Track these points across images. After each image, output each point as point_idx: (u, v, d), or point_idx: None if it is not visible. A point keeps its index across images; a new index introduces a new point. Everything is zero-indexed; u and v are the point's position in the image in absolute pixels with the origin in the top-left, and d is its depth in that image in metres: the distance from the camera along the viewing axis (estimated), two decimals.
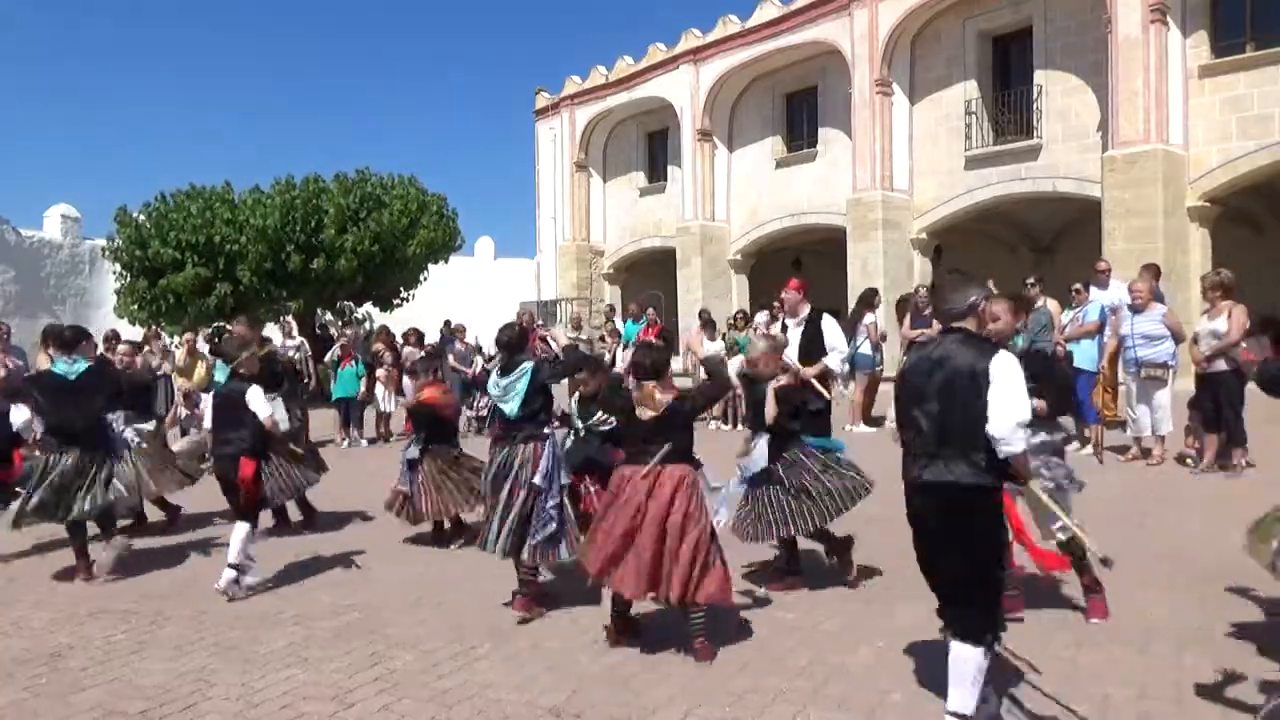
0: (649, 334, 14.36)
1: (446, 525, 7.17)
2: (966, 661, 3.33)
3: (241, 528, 5.79)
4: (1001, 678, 3.74)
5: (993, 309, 4.11)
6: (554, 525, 5.11)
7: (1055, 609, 4.90)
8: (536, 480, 5.11)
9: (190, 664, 4.56)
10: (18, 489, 6.49)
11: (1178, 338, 8.72)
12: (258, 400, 5.85)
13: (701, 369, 13.25)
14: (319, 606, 5.48)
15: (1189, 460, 8.71)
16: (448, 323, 19.07)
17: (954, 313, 3.52)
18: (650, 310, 15.63)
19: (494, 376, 5.37)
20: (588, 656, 4.50)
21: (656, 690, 4.05)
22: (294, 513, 7.78)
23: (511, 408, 5.22)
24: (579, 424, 6.21)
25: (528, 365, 5.27)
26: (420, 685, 4.22)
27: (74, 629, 5.19)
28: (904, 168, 19.55)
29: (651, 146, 26.17)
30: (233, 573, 5.71)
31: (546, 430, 5.29)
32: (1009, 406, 3.26)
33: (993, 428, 3.26)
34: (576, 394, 6.31)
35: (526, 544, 5.11)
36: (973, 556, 3.40)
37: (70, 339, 6.55)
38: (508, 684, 4.19)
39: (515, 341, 5.41)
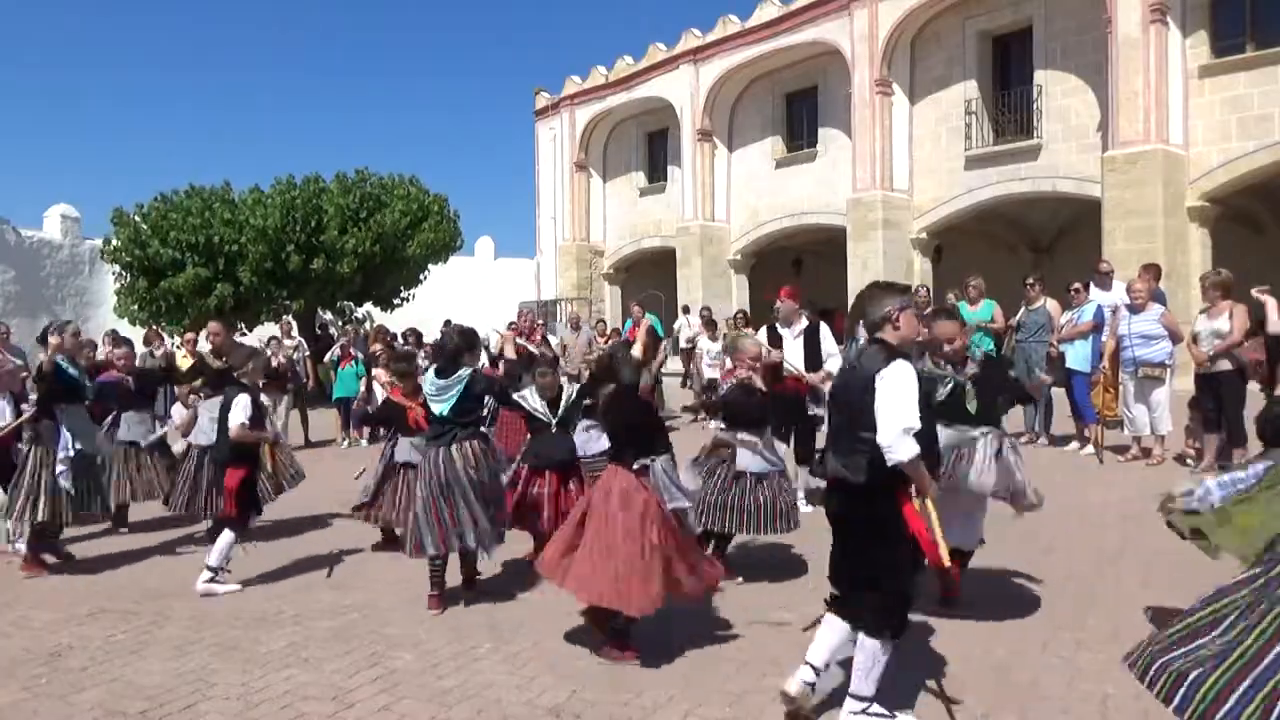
0: (635, 334, 14.23)
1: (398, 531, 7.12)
2: (868, 649, 3.54)
3: (226, 535, 5.90)
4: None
5: (943, 329, 4.66)
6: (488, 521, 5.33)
7: (1054, 611, 4.91)
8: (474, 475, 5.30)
9: (190, 664, 4.56)
10: None
11: (1175, 338, 8.72)
12: (237, 408, 5.92)
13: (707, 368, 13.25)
14: (319, 606, 5.48)
15: (1189, 460, 8.71)
16: (448, 322, 19.02)
17: (871, 323, 3.71)
18: (636, 309, 15.53)
19: (430, 374, 5.46)
20: (588, 656, 4.49)
21: (656, 690, 4.05)
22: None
23: (442, 409, 5.36)
24: (550, 418, 6.20)
25: (464, 374, 5.39)
26: (420, 685, 4.22)
27: (74, 629, 5.19)
28: (904, 168, 19.55)
29: (651, 146, 26.16)
30: (208, 574, 5.84)
31: (483, 429, 5.49)
32: (891, 415, 3.41)
33: (879, 436, 3.42)
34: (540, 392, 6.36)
35: (465, 539, 5.23)
36: (867, 552, 3.59)
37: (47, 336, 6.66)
38: (508, 684, 4.19)
39: (459, 348, 5.46)
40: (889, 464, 3.43)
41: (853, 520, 3.62)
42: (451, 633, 4.92)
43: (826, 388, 7.72)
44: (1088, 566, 5.68)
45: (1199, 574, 5.33)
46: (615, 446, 4.70)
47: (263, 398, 6.33)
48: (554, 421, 6.11)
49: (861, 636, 3.57)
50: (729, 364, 6.02)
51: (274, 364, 12.25)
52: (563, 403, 6.18)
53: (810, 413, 6.65)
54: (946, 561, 3.68)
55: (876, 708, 3.56)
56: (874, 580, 3.58)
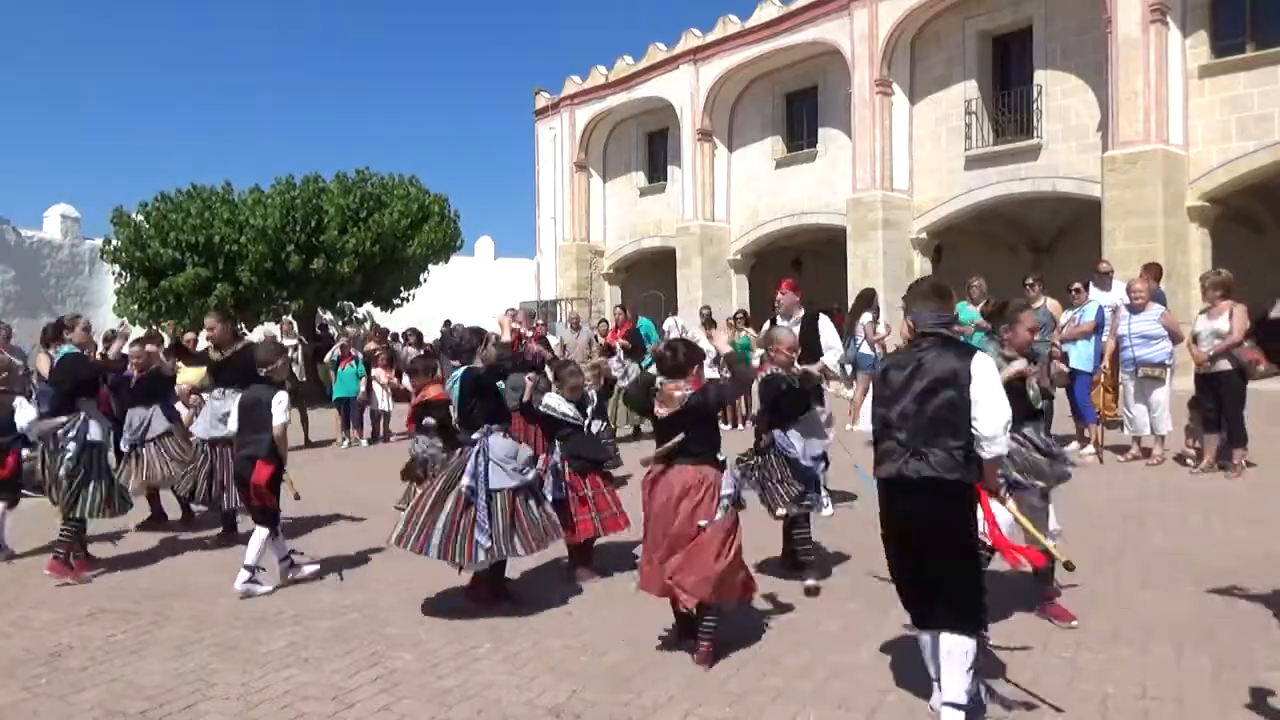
0: (615, 336, 13.99)
1: None
2: (957, 651, 3.46)
3: (259, 532, 5.82)
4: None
5: (1030, 320, 4.66)
6: (484, 528, 5.11)
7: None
8: (465, 481, 5.14)
9: (190, 664, 4.56)
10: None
11: (1175, 338, 8.72)
12: (279, 406, 5.87)
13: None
14: (319, 606, 5.48)
15: (1189, 460, 8.71)
16: (448, 322, 19.09)
17: (935, 321, 3.66)
18: (618, 310, 15.45)
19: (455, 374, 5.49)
20: (588, 656, 4.49)
21: (656, 690, 4.05)
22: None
23: (456, 411, 5.37)
24: (580, 419, 6.26)
25: (457, 373, 5.37)
26: (420, 685, 4.22)
27: (74, 629, 5.19)
28: (904, 168, 19.55)
29: (651, 146, 26.17)
30: (246, 573, 5.73)
31: (475, 435, 5.31)
32: (996, 407, 3.41)
33: (982, 427, 3.40)
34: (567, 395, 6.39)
35: (466, 546, 5.09)
36: (959, 548, 3.53)
37: (51, 334, 6.67)
38: (508, 684, 4.19)
39: (464, 346, 5.43)
40: (988, 455, 3.43)
41: (936, 521, 3.50)
42: (451, 633, 4.92)
43: (857, 382, 7.64)
44: (1088, 566, 5.66)
45: (1199, 574, 5.35)
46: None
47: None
48: (587, 423, 6.15)
49: (955, 638, 3.47)
50: (757, 360, 5.99)
51: None
52: (590, 404, 6.23)
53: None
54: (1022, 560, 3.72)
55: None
56: (968, 574, 3.53)
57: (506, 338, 6.22)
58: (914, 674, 4.05)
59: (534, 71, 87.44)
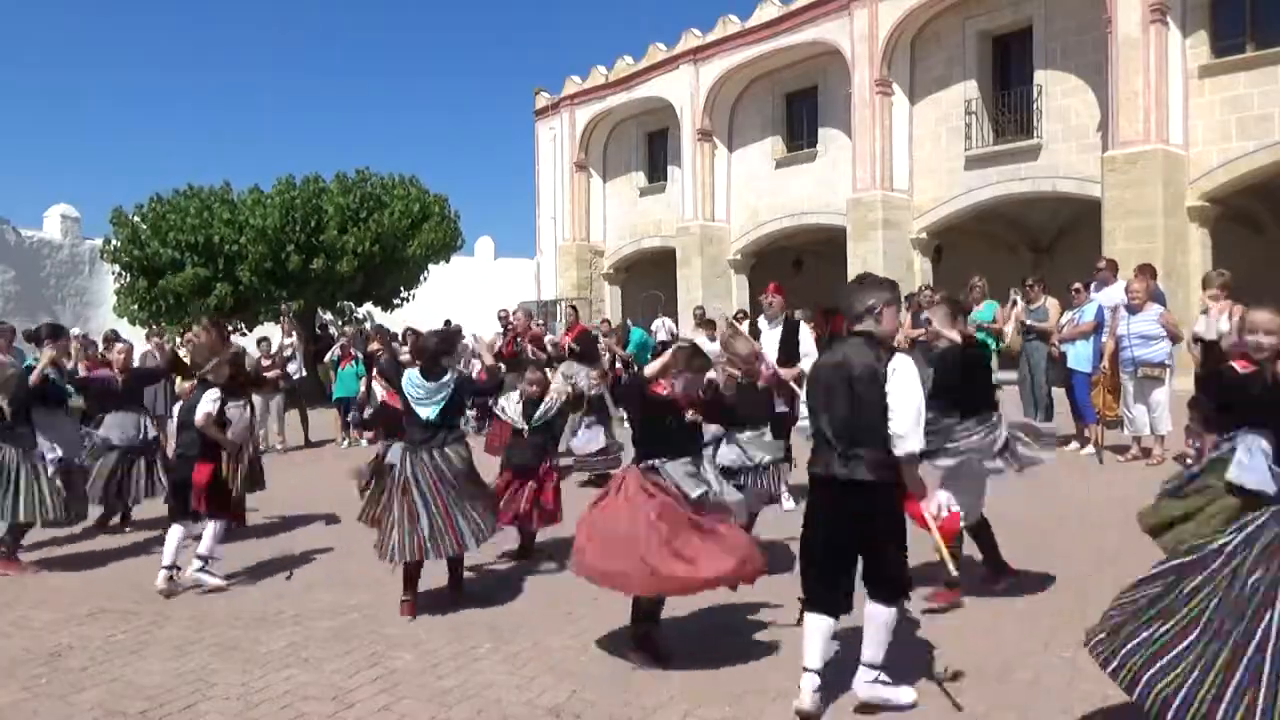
0: (569, 336, 13.76)
1: None
2: (881, 620, 3.71)
3: (212, 525, 5.97)
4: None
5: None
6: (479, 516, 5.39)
7: (1055, 610, 4.91)
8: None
9: (190, 664, 4.56)
10: None
11: (1174, 337, 8.72)
12: (204, 401, 5.98)
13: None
14: (318, 606, 5.48)
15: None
16: (447, 322, 19.06)
17: (854, 315, 3.76)
18: (571, 310, 15.32)
19: (415, 376, 5.46)
20: (588, 656, 4.50)
21: (656, 690, 4.05)
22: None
23: (431, 413, 5.39)
24: (523, 424, 6.51)
25: (450, 378, 5.46)
26: (420, 685, 4.22)
27: (74, 629, 5.20)
28: (904, 167, 19.55)
29: (651, 146, 26.15)
30: (199, 562, 5.91)
31: (464, 430, 5.65)
32: (906, 405, 3.52)
33: (894, 426, 3.52)
34: (520, 395, 6.63)
35: (445, 546, 5.21)
36: (886, 537, 3.70)
37: (43, 337, 6.70)
38: (508, 684, 4.20)
39: (438, 350, 5.53)
40: (900, 453, 3.53)
41: (869, 516, 3.67)
42: (451, 633, 4.92)
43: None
44: (1088, 566, 5.68)
45: None
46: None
47: (230, 405, 6.35)
48: (525, 427, 6.42)
49: (880, 609, 3.70)
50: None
51: (263, 362, 12.42)
52: (540, 408, 6.39)
53: (778, 410, 6.65)
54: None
55: (885, 675, 3.73)
56: (892, 561, 3.73)
57: (489, 359, 6.39)
58: (913, 673, 4.05)
59: (534, 71, 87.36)
